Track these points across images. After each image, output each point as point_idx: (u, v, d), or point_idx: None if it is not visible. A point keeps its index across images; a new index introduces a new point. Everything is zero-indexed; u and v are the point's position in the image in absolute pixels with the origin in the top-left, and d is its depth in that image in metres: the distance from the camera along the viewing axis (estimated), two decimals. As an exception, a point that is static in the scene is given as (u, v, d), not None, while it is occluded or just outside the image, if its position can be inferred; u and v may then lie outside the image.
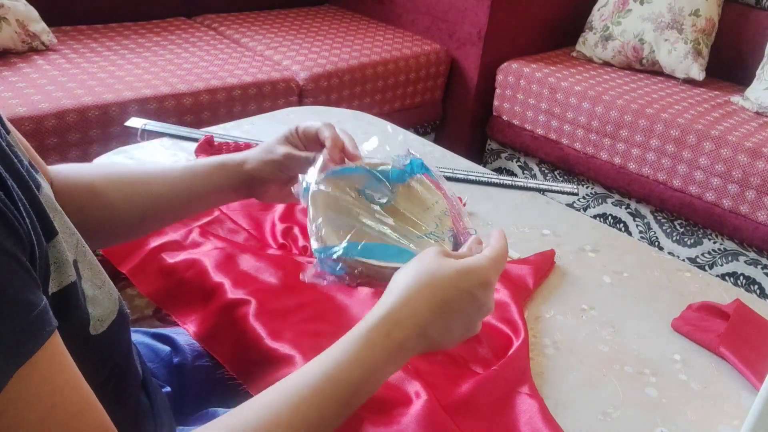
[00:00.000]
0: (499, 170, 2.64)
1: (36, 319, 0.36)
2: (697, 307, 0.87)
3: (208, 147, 1.05)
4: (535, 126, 2.45)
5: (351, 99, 2.27)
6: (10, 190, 0.38)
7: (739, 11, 2.54)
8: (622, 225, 2.35)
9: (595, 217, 2.36)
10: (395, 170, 0.67)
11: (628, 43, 2.50)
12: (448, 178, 1.14)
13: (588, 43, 2.61)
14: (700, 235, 2.16)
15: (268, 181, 0.72)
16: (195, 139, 1.13)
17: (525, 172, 2.60)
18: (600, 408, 0.70)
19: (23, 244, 0.38)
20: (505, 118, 2.55)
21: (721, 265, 2.13)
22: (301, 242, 0.91)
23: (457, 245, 0.65)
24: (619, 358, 0.78)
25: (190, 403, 0.77)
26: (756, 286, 2.06)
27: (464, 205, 1.05)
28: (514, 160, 2.62)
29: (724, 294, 0.92)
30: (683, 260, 2.03)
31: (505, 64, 2.50)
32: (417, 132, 2.53)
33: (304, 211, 0.95)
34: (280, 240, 0.91)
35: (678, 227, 2.21)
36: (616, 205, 2.36)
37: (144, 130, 1.19)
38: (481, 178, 1.15)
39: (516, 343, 0.75)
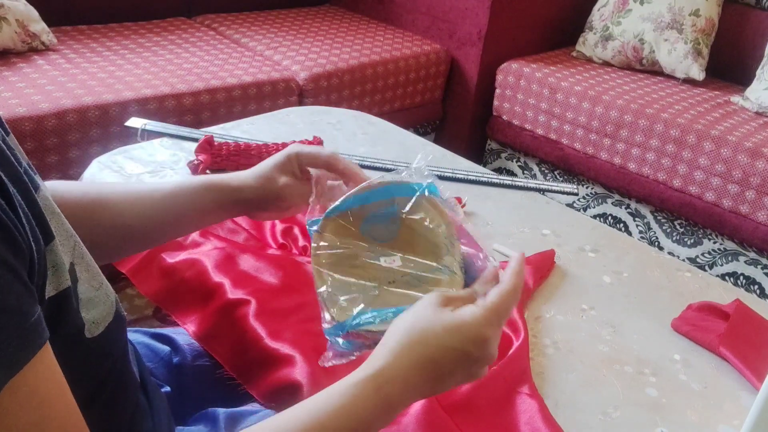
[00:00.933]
0: (499, 170, 2.64)
1: (30, 330, 0.36)
2: (697, 307, 0.87)
3: (208, 147, 1.05)
4: (535, 126, 2.45)
5: (351, 99, 2.27)
6: (12, 197, 0.38)
7: (739, 11, 2.54)
8: (622, 225, 2.35)
9: (595, 217, 2.36)
10: (399, 186, 0.61)
11: (628, 43, 2.50)
12: (448, 178, 1.14)
13: (588, 43, 2.61)
14: (700, 235, 2.16)
15: (264, 208, 0.70)
16: (195, 139, 1.13)
17: (525, 172, 2.60)
18: (600, 408, 0.70)
19: (23, 255, 0.37)
20: (505, 118, 2.55)
21: (721, 265, 2.13)
22: (301, 242, 0.91)
23: (469, 273, 0.60)
24: (619, 358, 0.78)
25: (190, 403, 0.77)
26: (756, 286, 2.06)
27: (464, 205, 1.05)
28: (514, 160, 2.62)
29: (724, 294, 0.92)
30: (683, 260, 2.03)
31: (505, 64, 2.50)
32: (417, 132, 2.53)
33: (305, 212, 0.95)
34: (280, 240, 0.91)
35: (678, 227, 2.21)
36: (616, 205, 2.36)
37: (144, 130, 1.19)
38: (481, 178, 1.15)
39: (516, 343, 0.75)
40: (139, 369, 0.61)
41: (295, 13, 2.74)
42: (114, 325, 0.51)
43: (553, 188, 1.22)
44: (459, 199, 1.06)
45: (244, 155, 1.07)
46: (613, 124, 2.22)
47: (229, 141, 1.11)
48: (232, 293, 0.76)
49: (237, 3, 2.68)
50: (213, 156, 1.05)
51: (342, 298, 0.57)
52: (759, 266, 2.05)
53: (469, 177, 1.15)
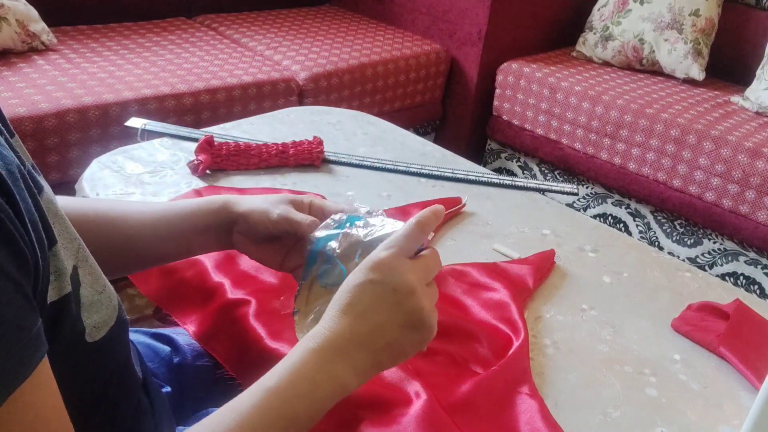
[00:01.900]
0: (499, 170, 2.64)
1: (30, 344, 0.36)
2: (697, 307, 0.87)
3: (208, 147, 1.05)
4: (535, 126, 2.45)
5: (351, 99, 2.27)
6: (18, 204, 0.38)
7: (739, 11, 2.54)
8: (622, 225, 2.35)
9: (595, 217, 2.36)
10: (327, 236, 0.64)
11: (628, 43, 2.50)
12: (448, 178, 1.14)
13: (588, 43, 2.61)
14: (700, 235, 2.16)
15: (252, 233, 0.68)
16: (195, 139, 1.13)
17: (525, 172, 2.60)
18: (600, 408, 0.70)
19: (27, 267, 0.37)
20: (505, 118, 2.55)
21: (721, 265, 2.13)
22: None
23: None
24: (619, 358, 0.78)
25: (190, 403, 0.77)
26: (756, 286, 2.06)
27: (464, 205, 1.05)
28: (514, 160, 2.62)
29: (724, 294, 0.92)
30: (683, 260, 2.03)
31: (505, 64, 2.50)
32: (417, 132, 2.53)
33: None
34: (280, 240, 0.91)
35: (678, 227, 2.21)
36: (616, 205, 2.36)
37: (144, 130, 1.19)
38: (481, 178, 1.15)
39: (516, 343, 0.75)
40: (141, 369, 0.61)
41: (295, 13, 2.74)
42: (116, 329, 0.51)
43: (553, 188, 1.22)
44: (459, 199, 1.06)
45: (244, 155, 1.07)
46: (613, 124, 2.22)
47: (229, 141, 1.11)
48: (232, 293, 0.76)
49: (237, 3, 2.68)
50: (213, 156, 1.05)
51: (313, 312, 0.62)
52: (759, 266, 2.05)
53: (469, 177, 1.15)
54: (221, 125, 1.27)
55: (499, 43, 2.51)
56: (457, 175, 1.15)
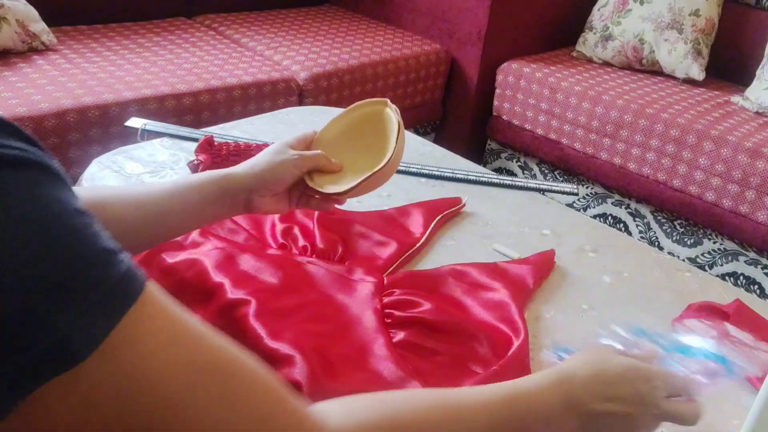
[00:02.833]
0: (499, 170, 2.64)
1: (132, 265, 0.37)
2: (697, 307, 0.87)
3: (208, 147, 1.05)
4: (535, 126, 2.45)
5: (351, 99, 2.27)
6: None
7: (739, 11, 2.54)
8: (622, 225, 2.35)
9: (595, 217, 2.36)
10: None
11: (628, 43, 2.50)
12: (449, 178, 1.14)
13: (588, 43, 2.61)
14: (700, 235, 2.16)
15: (271, 186, 0.72)
16: (195, 139, 1.13)
17: (525, 172, 2.60)
18: (600, 408, 0.70)
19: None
20: (505, 118, 2.55)
21: (721, 265, 2.13)
22: (301, 242, 0.91)
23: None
24: (619, 358, 0.78)
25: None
26: (756, 286, 2.06)
27: (464, 205, 1.05)
28: (514, 160, 2.62)
29: (724, 294, 0.92)
30: (683, 260, 2.03)
31: (505, 64, 2.50)
32: (417, 132, 2.53)
33: (305, 212, 0.95)
34: (280, 240, 0.91)
35: (678, 227, 2.21)
36: (616, 205, 2.36)
37: (144, 130, 1.19)
38: (481, 178, 1.15)
39: (516, 343, 0.75)
40: None
41: (295, 13, 2.74)
42: None
43: (553, 188, 1.22)
44: (459, 199, 1.06)
45: (244, 155, 1.07)
46: (613, 124, 2.22)
47: (229, 141, 1.11)
48: (232, 293, 0.76)
49: (237, 3, 2.68)
50: (213, 156, 1.05)
51: None
52: (759, 266, 2.05)
53: (469, 177, 1.15)
54: (221, 125, 1.27)
55: (499, 43, 2.51)
56: (457, 175, 1.15)
